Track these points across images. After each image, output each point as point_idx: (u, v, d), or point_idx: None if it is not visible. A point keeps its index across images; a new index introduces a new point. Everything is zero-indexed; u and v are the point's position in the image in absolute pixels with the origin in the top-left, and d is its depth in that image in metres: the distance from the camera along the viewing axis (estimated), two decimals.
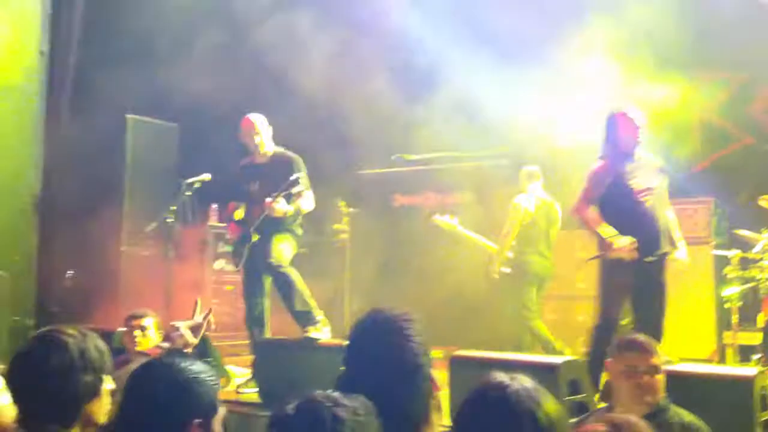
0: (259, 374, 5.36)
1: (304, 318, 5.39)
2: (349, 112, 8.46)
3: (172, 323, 4.61)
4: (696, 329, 6.80)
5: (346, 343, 2.22)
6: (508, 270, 6.77)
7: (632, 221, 4.94)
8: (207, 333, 3.35)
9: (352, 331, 2.21)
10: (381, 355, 2.08)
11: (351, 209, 8.40)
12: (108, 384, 2.40)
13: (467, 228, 7.18)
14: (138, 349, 4.59)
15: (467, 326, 7.24)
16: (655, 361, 3.22)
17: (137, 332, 4.80)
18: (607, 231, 4.94)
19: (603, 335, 4.82)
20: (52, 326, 2.45)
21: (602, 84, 7.83)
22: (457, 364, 4.31)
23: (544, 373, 4.18)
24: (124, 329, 4.90)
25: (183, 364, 2.22)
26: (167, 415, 2.11)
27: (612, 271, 4.97)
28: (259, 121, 5.82)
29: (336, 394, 1.72)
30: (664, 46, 7.84)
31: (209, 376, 2.24)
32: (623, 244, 4.90)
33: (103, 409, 2.34)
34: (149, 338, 4.69)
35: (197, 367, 2.24)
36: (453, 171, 8.25)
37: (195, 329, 3.21)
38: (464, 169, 8.23)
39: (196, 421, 2.13)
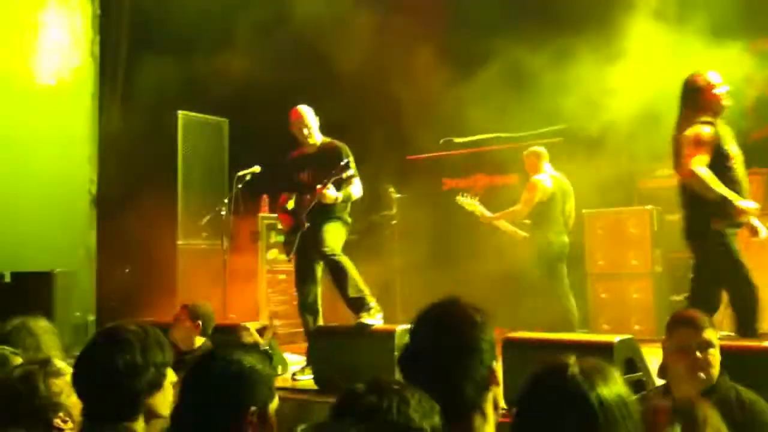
0: (313, 361, 5.43)
1: (358, 304, 5.44)
2: (396, 95, 8.49)
3: (242, 324, 4.71)
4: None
5: (412, 326, 2.22)
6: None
7: (731, 188, 4.69)
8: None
9: (421, 317, 2.22)
10: (445, 344, 2.10)
11: (399, 194, 8.43)
12: (171, 377, 2.47)
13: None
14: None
15: (519, 308, 7.21)
16: (707, 336, 3.15)
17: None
18: (733, 193, 4.67)
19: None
20: (114, 323, 2.53)
21: (656, 53, 7.73)
22: (509, 346, 4.30)
23: (599, 352, 4.18)
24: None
25: (238, 355, 2.29)
26: (224, 403, 2.18)
27: (731, 239, 4.72)
28: (307, 112, 5.89)
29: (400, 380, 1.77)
30: (720, 13, 7.67)
31: (264, 365, 2.30)
32: (751, 207, 4.68)
33: (166, 401, 2.42)
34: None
35: (253, 357, 2.30)
36: (502, 152, 8.21)
37: (261, 331, 3.27)
38: (514, 149, 8.18)
39: (253, 408, 2.19)
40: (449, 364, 2.04)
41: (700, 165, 4.66)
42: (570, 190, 7.02)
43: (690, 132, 4.73)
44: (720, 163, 4.70)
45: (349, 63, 7.96)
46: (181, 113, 8.64)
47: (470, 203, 7.20)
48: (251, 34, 8.30)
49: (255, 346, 2.69)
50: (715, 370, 3.16)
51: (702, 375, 3.11)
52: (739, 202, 4.63)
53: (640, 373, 4.17)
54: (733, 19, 7.75)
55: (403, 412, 1.69)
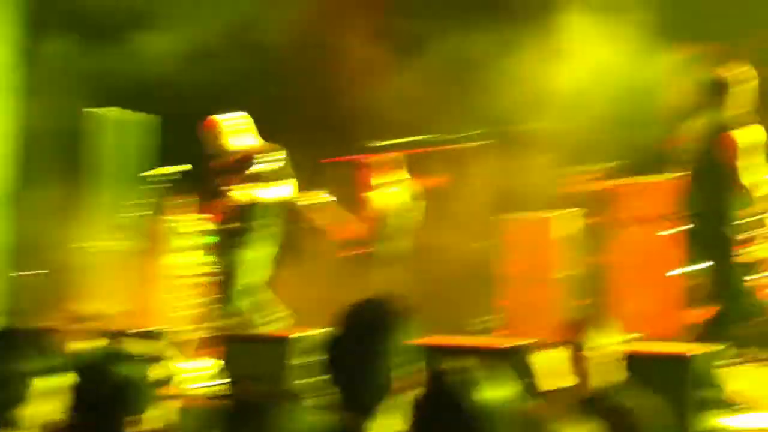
0: (221, 366, 5.39)
1: (258, 311, 5.47)
2: (321, 99, 8.51)
3: (128, 330, 4.65)
4: (662, 307, 6.88)
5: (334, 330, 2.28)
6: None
7: None
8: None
9: (345, 319, 2.27)
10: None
11: (325, 197, 8.44)
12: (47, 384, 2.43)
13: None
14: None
15: (443, 311, 7.30)
16: (587, 338, 3.27)
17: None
18: None
19: None
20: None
21: (589, 55, 7.92)
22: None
23: (506, 356, 4.26)
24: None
25: (113, 365, 2.30)
26: (99, 414, 2.20)
27: None
28: (223, 120, 5.90)
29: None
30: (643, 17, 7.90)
31: (142, 375, 2.32)
32: None
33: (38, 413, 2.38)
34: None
35: (131, 366, 2.32)
36: (428, 155, 8.29)
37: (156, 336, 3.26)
38: (440, 152, 8.27)
39: (127, 419, 2.22)
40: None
41: None
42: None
43: (741, 135, 4.73)
44: None
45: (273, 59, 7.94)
46: (102, 109, 8.49)
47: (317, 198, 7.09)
48: (174, 22, 8.18)
49: (140, 354, 2.67)
50: (605, 375, 3.26)
51: (590, 379, 3.22)
52: None
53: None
54: (661, 24, 7.99)
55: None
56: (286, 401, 1.89)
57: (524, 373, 4.24)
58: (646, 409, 3.26)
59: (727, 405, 4.03)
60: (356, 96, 8.16)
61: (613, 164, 8.07)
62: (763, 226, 4.73)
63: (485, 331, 7.39)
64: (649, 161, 7.84)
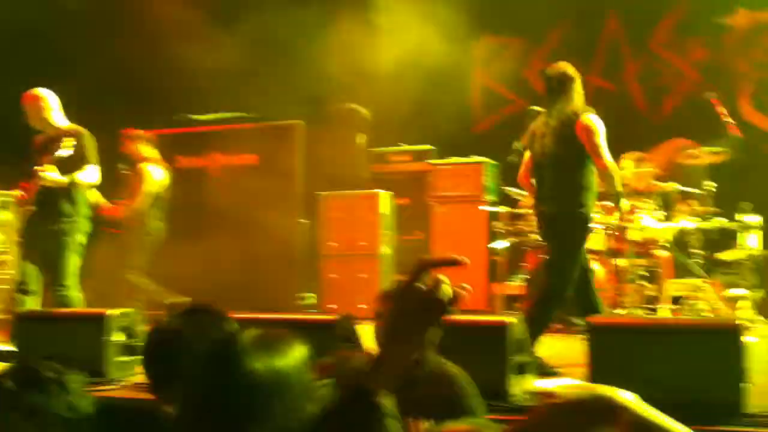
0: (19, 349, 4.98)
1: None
2: (129, 66, 8.04)
3: None
4: (470, 281, 7.15)
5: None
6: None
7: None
8: None
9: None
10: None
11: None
12: None
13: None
14: None
15: (262, 288, 7.16)
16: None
17: None
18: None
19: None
20: None
21: (393, 42, 8.02)
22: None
23: (320, 330, 4.21)
24: None
25: None
26: None
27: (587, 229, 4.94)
28: (46, 95, 5.56)
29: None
30: (455, 7, 8.14)
31: None
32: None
33: None
34: None
35: None
36: (241, 131, 8.06)
37: None
38: (254, 129, 8.06)
39: None
40: None
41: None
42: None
43: (594, 121, 4.84)
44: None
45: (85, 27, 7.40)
46: None
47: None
48: None
49: None
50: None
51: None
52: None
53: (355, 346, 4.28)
54: (468, 14, 8.28)
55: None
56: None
57: (348, 345, 4.21)
58: (465, 375, 3.31)
59: (540, 370, 4.22)
60: (162, 65, 7.78)
61: (425, 146, 8.28)
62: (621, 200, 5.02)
63: (307, 307, 7.35)
64: (458, 144, 8.16)
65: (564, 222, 4.89)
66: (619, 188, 4.95)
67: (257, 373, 1.49)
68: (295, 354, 1.58)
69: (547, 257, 5.01)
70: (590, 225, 4.94)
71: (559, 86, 5.02)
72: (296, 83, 8.41)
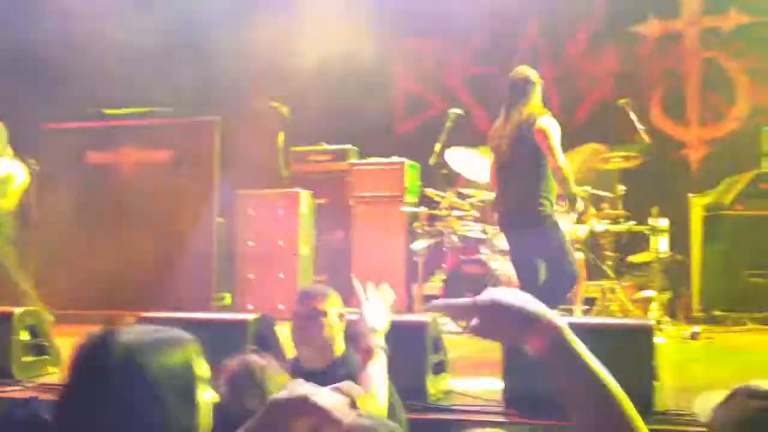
0: None
1: None
2: (40, 56, 7.72)
3: None
4: (390, 282, 7.15)
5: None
6: None
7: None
8: None
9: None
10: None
11: (36, 167, 7.66)
12: None
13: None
14: None
15: (176, 287, 6.97)
16: (319, 306, 3.24)
17: None
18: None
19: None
20: None
21: (315, 40, 7.96)
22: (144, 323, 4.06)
23: (234, 330, 4.13)
24: None
25: None
26: None
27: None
28: None
29: None
30: (378, 7, 8.14)
31: None
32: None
33: None
34: None
35: None
36: (154, 127, 7.82)
37: None
38: (165, 125, 7.84)
39: None
40: None
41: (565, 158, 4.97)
42: None
43: (550, 124, 4.98)
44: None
45: None
46: None
47: None
48: None
49: None
50: (330, 339, 3.25)
51: (307, 339, 3.20)
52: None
53: (272, 350, 4.21)
54: (391, 15, 8.29)
55: None
56: None
57: (269, 343, 4.14)
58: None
59: (453, 369, 4.24)
60: (75, 55, 7.50)
61: (346, 146, 8.24)
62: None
63: (224, 307, 7.20)
64: (380, 145, 8.15)
65: (526, 222, 4.99)
66: (574, 190, 5.06)
67: (138, 370, 1.43)
68: (181, 353, 1.50)
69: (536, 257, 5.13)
70: (553, 219, 5.07)
71: (521, 90, 5.14)
72: (214, 78, 8.25)
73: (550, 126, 5.01)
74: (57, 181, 7.52)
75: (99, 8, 7.47)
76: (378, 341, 2.55)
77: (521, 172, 5.10)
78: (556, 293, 4.94)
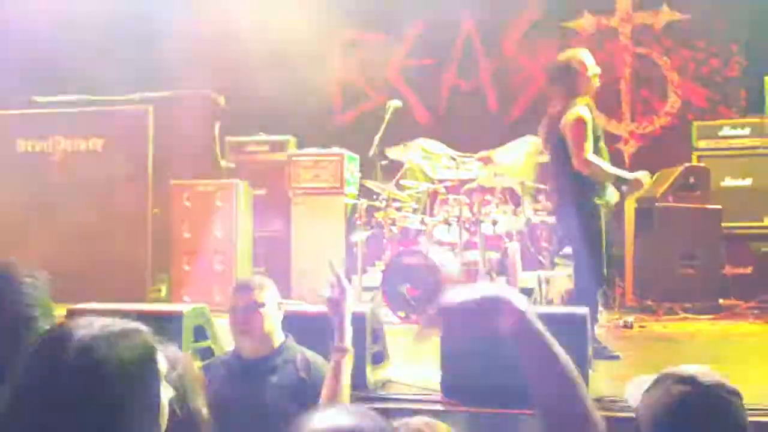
0: None
1: None
2: None
3: None
4: (329, 274, 7.12)
5: None
6: None
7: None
8: None
9: None
10: None
11: None
12: None
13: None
14: None
15: (112, 279, 6.80)
16: (254, 297, 3.22)
17: None
18: (625, 171, 5.02)
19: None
20: None
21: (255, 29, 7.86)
22: (70, 316, 3.95)
23: (168, 321, 4.05)
24: None
25: None
26: None
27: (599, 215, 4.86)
28: None
29: None
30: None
31: None
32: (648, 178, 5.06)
33: None
34: None
35: None
36: (86, 114, 7.59)
37: None
38: (101, 112, 7.62)
39: None
40: None
41: (589, 152, 4.74)
42: None
43: (574, 117, 4.74)
44: (594, 143, 4.82)
45: None
46: None
47: None
48: None
49: None
50: (269, 329, 3.23)
51: (245, 330, 3.18)
52: (633, 175, 4.97)
53: (209, 341, 4.16)
54: (331, 6, 8.25)
55: None
56: None
57: (200, 335, 4.08)
58: (319, 361, 3.27)
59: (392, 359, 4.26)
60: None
61: (284, 137, 8.16)
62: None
63: (160, 298, 7.06)
64: (318, 136, 8.11)
65: (569, 214, 4.88)
66: (611, 178, 4.91)
67: (99, 364, 1.35)
68: (142, 346, 1.43)
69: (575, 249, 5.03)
70: (596, 211, 4.88)
71: (557, 79, 5.00)
72: (149, 66, 8.06)
73: (572, 122, 4.77)
74: None
75: None
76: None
77: (555, 167, 5.05)
78: (586, 292, 4.86)
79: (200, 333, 4.14)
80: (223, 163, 7.94)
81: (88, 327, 1.40)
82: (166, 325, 3.97)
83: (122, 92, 7.67)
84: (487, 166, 7.01)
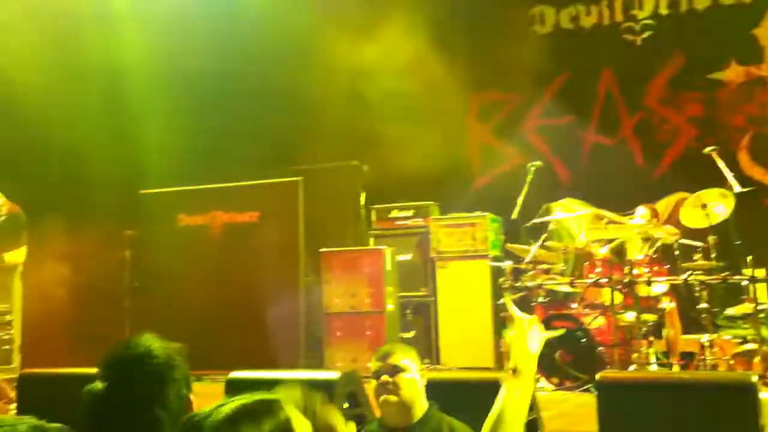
0: None
1: None
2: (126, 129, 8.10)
3: None
4: (477, 338, 7.09)
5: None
6: None
7: None
8: None
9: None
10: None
11: (131, 231, 7.98)
12: None
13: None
14: None
15: (260, 345, 7.07)
16: (392, 362, 3.21)
17: None
18: None
19: None
20: None
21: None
22: (230, 386, 4.13)
23: (322, 387, 4.12)
24: None
25: None
26: None
27: None
28: None
29: None
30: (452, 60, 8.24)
31: None
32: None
33: None
34: None
35: None
36: (240, 189, 8.05)
37: None
38: (251, 187, 8.05)
39: None
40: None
41: None
42: None
43: None
44: None
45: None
46: None
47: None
48: None
49: None
50: (411, 396, 3.21)
51: (388, 398, 3.17)
52: None
53: (361, 408, 4.19)
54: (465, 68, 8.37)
55: None
56: None
57: (358, 401, 4.11)
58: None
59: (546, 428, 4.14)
60: None
61: (426, 202, 8.26)
62: None
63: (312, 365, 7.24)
64: (459, 199, 8.16)
65: None
66: None
67: None
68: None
69: None
70: None
71: None
72: (294, 137, 8.41)
73: None
74: (153, 243, 7.81)
75: None
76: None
77: None
78: None
79: (353, 399, 4.18)
80: (369, 230, 8.13)
81: (222, 408, 1.45)
82: (319, 391, 4.06)
83: (272, 165, 8.08)
84: (651, 220, 6.72)
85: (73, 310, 7.68)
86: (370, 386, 3.36)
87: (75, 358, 5.46)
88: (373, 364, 3.30)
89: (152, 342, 2.03)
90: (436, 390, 3.36)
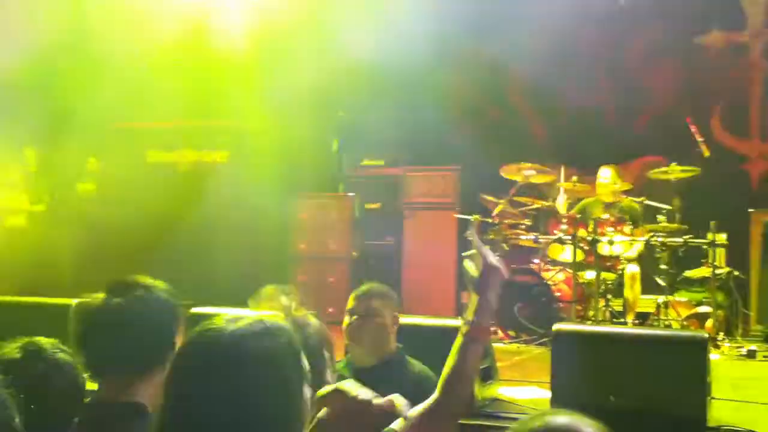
0: None
1: None
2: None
3: None
4: (440, 290, 7.15)
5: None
6: None
7: None
8: None
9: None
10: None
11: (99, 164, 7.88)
12: None
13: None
14: None
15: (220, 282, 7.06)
16: (367, 303, 3.24)
17: None
18: None
19: None
20: None
21: None
22: (193, 322, 4.14)
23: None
24: None
25: None
26: None
27: None
28: None
29: None
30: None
31: None
32: None
33: None
34: None
35: None
36: (210, 127, 7.95)
37: None
38: (221, 126, 7.95)
39: None
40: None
41: None
42: None
43: None
44: None
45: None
46: None
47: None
48: None
49: None
50: (378, 339, 3.24)
51: (360, 341, 3.21)
52: None
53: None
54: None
55: None
56: None
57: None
58: (431, 377, 3.27)
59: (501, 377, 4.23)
60: None
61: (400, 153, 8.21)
62: None
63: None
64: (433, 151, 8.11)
65: None
66: None
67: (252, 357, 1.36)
68: (288, 342, 1.41)
69: None
70: None
71: None
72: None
73: None
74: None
75: None
76: None
77: None
78: None
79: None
80: (340, 177, 8.09)
81: (237, 322, 1.41)
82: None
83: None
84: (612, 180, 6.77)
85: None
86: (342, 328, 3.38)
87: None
88: (349, 303, 3.32)
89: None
90: (404, 334, 3.40)
